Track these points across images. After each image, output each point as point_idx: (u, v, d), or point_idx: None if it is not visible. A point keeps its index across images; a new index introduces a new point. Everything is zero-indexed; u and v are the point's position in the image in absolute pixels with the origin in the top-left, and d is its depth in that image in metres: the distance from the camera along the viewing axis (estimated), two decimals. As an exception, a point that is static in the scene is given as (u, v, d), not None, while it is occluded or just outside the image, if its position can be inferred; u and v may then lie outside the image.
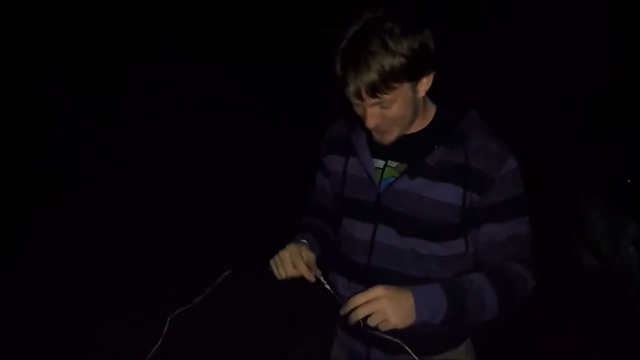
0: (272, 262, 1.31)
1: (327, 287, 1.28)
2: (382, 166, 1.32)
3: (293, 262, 1.28)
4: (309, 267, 1.29)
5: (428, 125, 1.30)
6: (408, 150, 1.29)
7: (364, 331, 1.17)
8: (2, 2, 7.55)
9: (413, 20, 1.16)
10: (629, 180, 2.99)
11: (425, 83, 1.20)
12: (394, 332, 1.15)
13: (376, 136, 1.26)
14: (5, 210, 4.26)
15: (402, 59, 1.12)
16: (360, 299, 1.13)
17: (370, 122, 1.20)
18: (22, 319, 3.00)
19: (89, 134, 5.79)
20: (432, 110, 1.31)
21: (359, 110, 1.21)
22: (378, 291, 1.12)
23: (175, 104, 6.76)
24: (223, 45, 8.62)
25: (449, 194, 1.24)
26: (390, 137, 1.25)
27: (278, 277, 1.30)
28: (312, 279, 1.28)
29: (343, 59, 1.15)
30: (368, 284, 1.21)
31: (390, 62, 1.11)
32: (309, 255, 1.31)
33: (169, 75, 7.20)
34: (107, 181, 4.77)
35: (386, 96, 1.15)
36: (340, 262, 1.40)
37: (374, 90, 1.13)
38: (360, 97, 1.15)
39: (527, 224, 1.26)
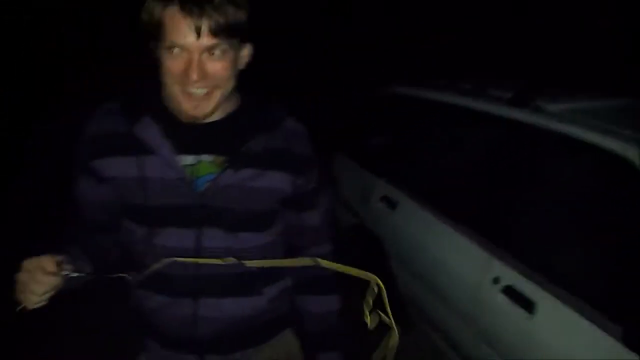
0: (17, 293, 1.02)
1: (74, 275, 1.05)
2: (192, 162, 1.16)
3: (36, 280, 0.99)
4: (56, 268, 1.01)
5: (235, 112, 1.22)
6: (220, 140, 1.17)
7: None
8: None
9: None
10: (372, 145, 3.39)
11: (244, 56, 1.15)
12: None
13: (189, 109, 1.11)
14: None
15: (242, 12, 1.07)
16: None
17: (194, 74, 1.05)
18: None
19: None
20: (235, 96, 1.24)
21: (175, 64, 1.06)
22: None
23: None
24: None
25: (280, 180, 1.19)
26: (206, 107, 1.12)
27: (29, 306, 1.02)
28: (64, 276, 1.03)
29: None
30: (198, 294, 1.18)
31: (233, 8, 1.05)
32: (51, 262, 1.01)
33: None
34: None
35: (223, 43, 1.05)
36: (152, 279, 1.22)
37: (218, 29, 1.03)
38: (197, 35, 1.02)
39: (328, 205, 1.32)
